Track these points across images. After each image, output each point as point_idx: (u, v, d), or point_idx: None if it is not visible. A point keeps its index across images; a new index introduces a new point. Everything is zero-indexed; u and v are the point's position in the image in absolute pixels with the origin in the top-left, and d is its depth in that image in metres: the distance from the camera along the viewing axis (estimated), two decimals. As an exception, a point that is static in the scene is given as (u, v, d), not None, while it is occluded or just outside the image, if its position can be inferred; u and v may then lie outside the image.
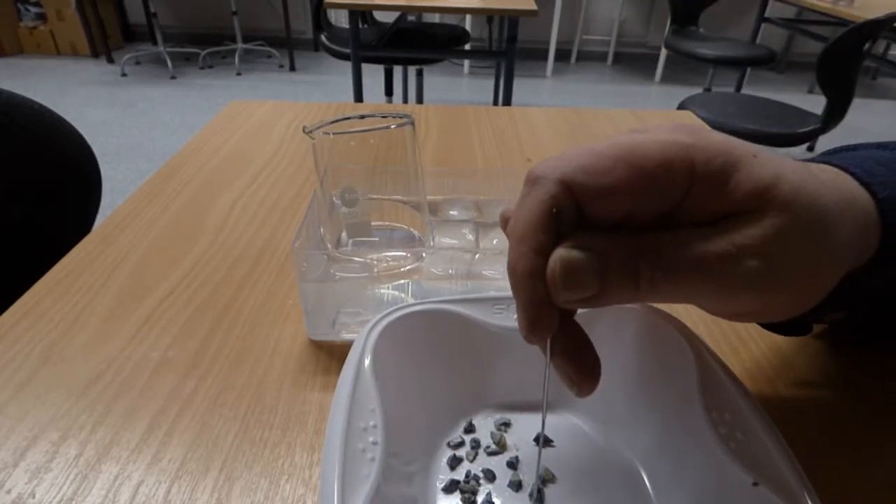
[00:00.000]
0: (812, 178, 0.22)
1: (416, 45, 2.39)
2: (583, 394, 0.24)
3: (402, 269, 0.38)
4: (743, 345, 0.39)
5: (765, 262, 0.20)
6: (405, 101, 3.09)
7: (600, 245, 0.21)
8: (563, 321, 0.23)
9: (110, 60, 3.84)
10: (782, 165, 0.22)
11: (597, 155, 0.22)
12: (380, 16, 2.60)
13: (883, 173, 0.25)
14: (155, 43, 3.82)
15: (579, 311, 0.25)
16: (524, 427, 0.32)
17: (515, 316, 0.24)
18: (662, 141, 0.21)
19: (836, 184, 0.24)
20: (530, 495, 0.28)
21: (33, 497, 0.28)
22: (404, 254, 0.39)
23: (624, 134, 0.24)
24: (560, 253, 0.21)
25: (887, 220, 0.24)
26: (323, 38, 2.39)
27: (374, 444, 0.24)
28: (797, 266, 0.21)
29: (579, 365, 0.24)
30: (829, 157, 0.27)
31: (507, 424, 0.32)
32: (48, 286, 0.43)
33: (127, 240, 0.48)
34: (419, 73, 2.94)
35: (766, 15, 3.10)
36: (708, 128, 0.27)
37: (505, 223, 0.25)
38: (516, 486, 0.28)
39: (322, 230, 0.40)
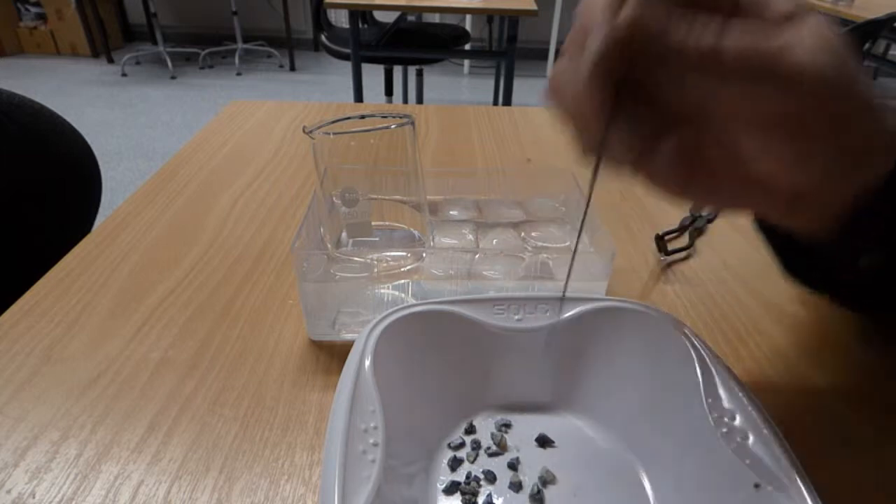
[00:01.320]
0: None
1: (416, 45, 2.38)
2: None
3: (402, 269, 0.38)
4: (743, 345, 0.39)
5: (811, 56, 0.20)
6: (405, 101, 3.09)
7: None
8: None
9: (110, 60, 3.85)
10: None
11: None
12: (380, 16, 2.60)
13: None
14: (155, 43, 3.82)
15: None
16: (525, 428, 0.32)
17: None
18: None
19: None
20: (531, 496, 0.28)
21: (33, 497, 0.28)
22: (404, 254, 0.39)
23: None
24: None
25: None
26: (323, 38, 2.39)
27: (375, 445, 0.24)
28: (833, 83, 0.20)
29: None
30: None
31: (507, 425, 0.32)
32: (48, 286, 0.43)
33: (127, 240, 0.48)
34: (419, 73, 2.94)
35: (766, 15, 3.09)
36: None
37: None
38: (517, 486, 0.28)
39: (322, 230, 0.40)
